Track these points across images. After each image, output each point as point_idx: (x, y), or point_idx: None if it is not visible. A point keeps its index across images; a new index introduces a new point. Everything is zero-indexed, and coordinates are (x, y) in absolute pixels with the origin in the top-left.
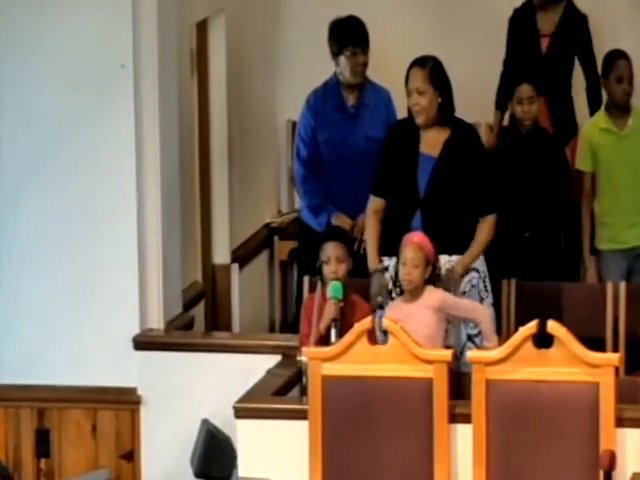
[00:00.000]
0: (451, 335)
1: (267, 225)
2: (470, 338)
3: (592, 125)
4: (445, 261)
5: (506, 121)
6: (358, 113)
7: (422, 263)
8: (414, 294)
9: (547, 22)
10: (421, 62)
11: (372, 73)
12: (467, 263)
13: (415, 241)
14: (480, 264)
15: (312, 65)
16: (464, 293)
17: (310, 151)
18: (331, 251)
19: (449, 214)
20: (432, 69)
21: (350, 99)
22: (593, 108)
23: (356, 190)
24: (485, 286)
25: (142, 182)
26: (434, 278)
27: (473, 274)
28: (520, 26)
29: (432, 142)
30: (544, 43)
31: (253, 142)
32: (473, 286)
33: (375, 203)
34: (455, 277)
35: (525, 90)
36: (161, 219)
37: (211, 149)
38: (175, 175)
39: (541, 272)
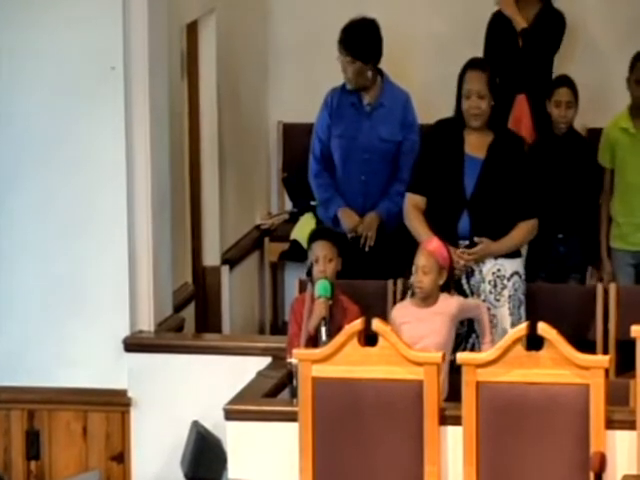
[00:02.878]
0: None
1: (257, 227)
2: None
3: (613, 122)
4: (491, 264)
5: None
6: (373, 112)
7: (434, 270)
8: (427, 300)
9: (524, 17)
10: (480, 65)
11: (391, 74)
12: (495, 250)
13: (427, 248)
14: (520, 267)
15: (303, 66)
16: (510, 297)
17: (324, 148)
18: (319, 250)
19: (496, 216)
20: (491, 73)
21: (367, 98)
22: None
23: (364, 190)
24: (524, 290)
25: (132, 183)
26: (450, 286)
27: (516, 278)
28: (498, 24)
29: (477, 144)
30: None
31: (244, 144)
32: (516, 290)
33: (414, 199)
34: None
35: (564, 93)
36: (151, 220)
37: (201, 150)
38: (165, 177)
39: (569, 274)
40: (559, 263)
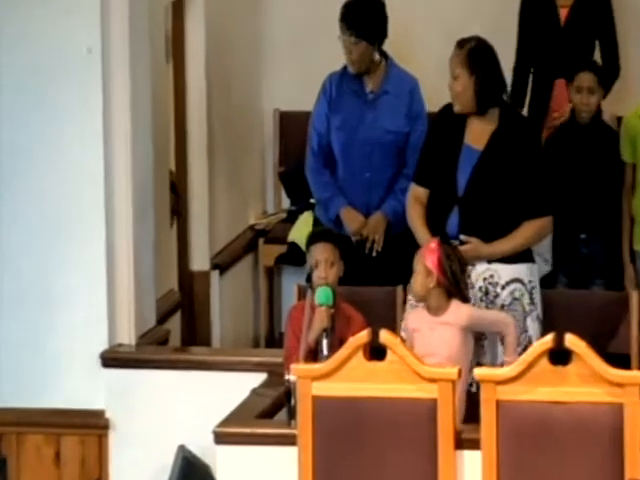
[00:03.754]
0: (486, 352)
1: (251, 227)
2: None
3: (634, 113)
4: (483, 269)
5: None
6: (377, 101)
7: (421, 272)
8: (436, 307)
9: None
10: (461, 43)
11: (397, 60)
12: (487, 253)
13: (423, 248)
14: (526, 274)
15: (302, 48)
16: (503, 307)
17: (322, 141)
18: (320, 254)
19: (490, 216)
20: (470, 52)
21: (369, 84)
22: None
23: (367, 186)
24: (532, 299)
25: (111, 179)
26: (462, 293)
27: (516, 285)
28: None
29: (478, 133)
30: (563, 14)
31: (236, 134)
32: (516, 299)
33: (416, 191)
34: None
35: (586, 78)
36: (132, 221)
37: (188, 142)
38: (148, 172)
39: (593, 279)
40: (582, 266)
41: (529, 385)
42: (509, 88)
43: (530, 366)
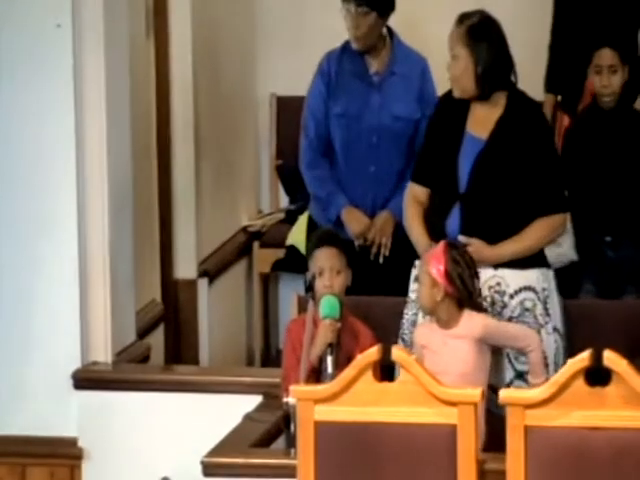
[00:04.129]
0: (491, 371)
1: (244, 229)
2: (521, 375)
3: None
4: (489, 276)
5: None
6: (383, 83)
7: (426, 282)
8: (447, 320)
9: None
10: (461, 18)
11: (404, 38)
12: (491, 256)
13: (426, 255)
14: (539, 281)
15: (303, 25)
16: (510, 319)
17: (320, 129)
18: (325, 260)
19: (496, 214)
20: (471, 28)
21: (374, 65)
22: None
23: (373, 182)
24: (546, 309)
25: (83, 175)
26: (474, 301)
27: (527, 294)
28: None
29: (482, 120)
30: None
31: (227, 122)
32: (527, 309)
33: (415, 190)
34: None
35: (606, 56)
36: (108, 223)
37: (173, 131)
38: (126, 166)
39: (624, 286)
40: (610, 273)
41: (563, 409)
42: (545, 69)
43: (564, 387)
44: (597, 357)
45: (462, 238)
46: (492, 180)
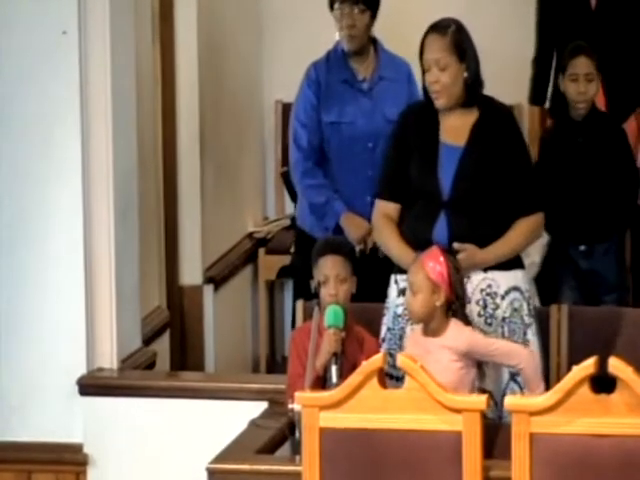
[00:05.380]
0: (488, 376)
1: (250, 235)
2: (513, 377)
3: None
4: (480, 279)
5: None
6: (373, 89)
7: (424, 289)
8: (432, 327)
9: None
10: (440, 28)
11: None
12: (484, 259)
13: (420, 260)
14: (523, 282)
15: (306, 30)
16: (504, 320)
17: (311, 136)
18: (329, 268)
19: (481, 218)
20: (455, 35)
21: (360, 71)
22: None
23: (370, 186)
24: (530, 309)
25: (89, 181)
26: (458, 311)
27: (515, 294)
28: None
29: (456, 128)
30: None
31: (232, 129)
32: (515, 310)
33: (385, 207)
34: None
35: (581, 64)
36: (113, 230)
37: (178, 138)
38: (132, 172)
39: (601, 295)
40: (585, 281)
41: (568, 416)
42: (529, 81)
43: (568, 394)
44: (602, 364)
45: (456, 245)
46: (475, 185)
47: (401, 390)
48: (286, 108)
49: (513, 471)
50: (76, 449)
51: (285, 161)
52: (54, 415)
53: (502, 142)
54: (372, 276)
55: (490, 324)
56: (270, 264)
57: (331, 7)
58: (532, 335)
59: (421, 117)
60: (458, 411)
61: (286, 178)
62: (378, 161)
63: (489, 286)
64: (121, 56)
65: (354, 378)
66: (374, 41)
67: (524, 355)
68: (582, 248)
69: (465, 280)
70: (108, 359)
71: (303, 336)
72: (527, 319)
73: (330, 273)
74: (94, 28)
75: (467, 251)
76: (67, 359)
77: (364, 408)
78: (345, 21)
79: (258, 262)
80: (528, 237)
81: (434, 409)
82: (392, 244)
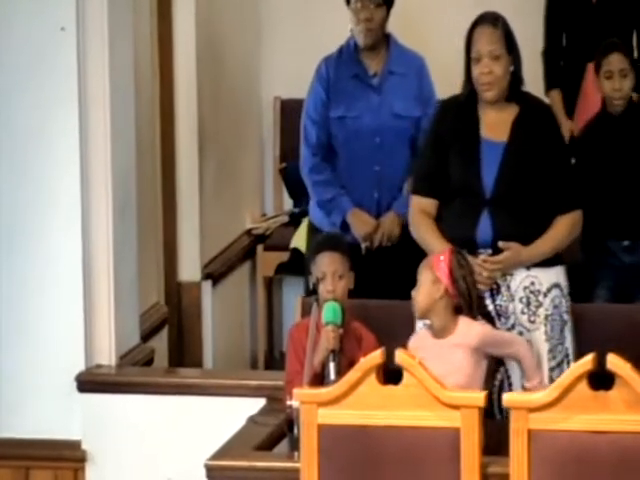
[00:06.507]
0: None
1: (248, 232)
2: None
3: None
4: (523, 277)
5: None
6: (382, 83)
7: (426, 282)
8: (441, 328)
9: None
10: (491, 19)
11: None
12: (528, 257)
13: (430, 256)
14: (563, 278)
15: (307, 27)
16: (547, 317)
17: (320, 133)
18: (327, 265)
19: (524, 215)
20: (505, 28)
21: (372, 66)
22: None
23: (377, 182)
24: (567, 306)
25: (88, 178)
26: (472, 308)
27: (556, 292)
28: None
29: (496, 123)
30: None
31: (231, 126)
32: (556, 307)
33: (421, 203)
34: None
35: (615, 61)
36: (112, 226)
37: (177, 134)
38: (130, 169)
39: (638, 291)
40: (626, 277)
41: (566, 412)
42: (542, 73)
43: (567, 391)
44: (600, 361)
45: (502, 244)
46: (518, 182)
47: (399, 386)
48: (285, 105)
49: (511, 468)
50: (74, 446)
51: (284, 157)
52: (52, 412)
53: (542, 138)
54: (378, 272)
55: (533, 321)
56: (268, 260)
57: (347, 1)
58: (568, 332)
59: (459, 111)
60: (456, 407)
61: (285, 174)
62: (385, 157)
63: (532, 284)
64: (119, 53)
65: (352, 375)
66: (387, 36)
67: (523, 343)
68: (626, 243)
69: (508, 278)
70: (106, 356)
71: (301, 333)
72: (565, 316)
73: (328, 269)
74: (92, 24)
75: (512, 249)
76: (65, 356)
77: (362, 405)
78: (363, 14)
79: (256, 258)
80: (569, 234)
81: (432, 405)
82: (431, 240)
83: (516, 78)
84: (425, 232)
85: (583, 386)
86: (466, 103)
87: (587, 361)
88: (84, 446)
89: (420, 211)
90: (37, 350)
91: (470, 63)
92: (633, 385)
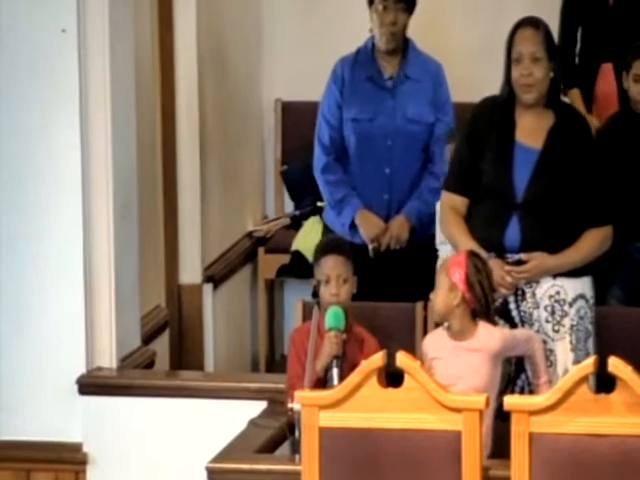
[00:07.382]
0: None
1: (250, 234)
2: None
3: None
4: (549, 285)
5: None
6: (397, 87)
7: (442, 287)
8: (459, 331)
9: None
10: (533, 22)
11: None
12: (554, 266)
13: (448, 260)
14: (589, 289)
15: (308, 27)
16: (572, 327)
17: (334, 133)
18: (331, 268)
19: (554, 224)
20: (547, 32)
21: (388, 69)
22: None
23: (387, 185)
24: (592, 317)
25: (88, 183)
26: (490, 313)
27: (582, 302)
28: None
29: (532, 129)
30: None
31: (232, 128)
32: (581, 318)
33: (453, 200)
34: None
35: None
36: (113, 229)
37: (178, 137)
38: (131, 171)
39: None
40: (637, 278)
41: (567, 415)
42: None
43: (568, 394)
44: (601, 364)
45: (524, 256)
46: (550, 189)
47: (400, 389)
48: (286, 106)
49: (512, 470)
50: (75, 448)
51: (284, 159)
52: (53, 414)
53: (578, 149)
54: (385, 275)
55: (557, 331)
56: (269, 263)
57: (370, 3)
58: (592, 344)
59: (496, 113)
60: (458, 410)
61: (286, 177)
62: (397, 160)
63: (557, 293)
64: (120, 54)
65: (353, 377)
66: (406, 41)
67: (537, 339)
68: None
69: (534, 285)
70: (107, 358)
71: (303, 336)
72: (590, 327)
73: (332, 273)
74: (93, 26)
75: (536, 259)
76: (66, 358)
77: (364, 407)
78: (388, 18)
79: (257, 261)
80: (598, 249)
81: (434, 408)
82: (460, 238)
83: (555, 85)
84: (455, 231)
85: (584, 389)
86: (504, 105)
87: (588, 364)
88: (85, 449)
89: (450, 208)
90: (38, 353)
91: (510, 65)
92: (634, 388)
